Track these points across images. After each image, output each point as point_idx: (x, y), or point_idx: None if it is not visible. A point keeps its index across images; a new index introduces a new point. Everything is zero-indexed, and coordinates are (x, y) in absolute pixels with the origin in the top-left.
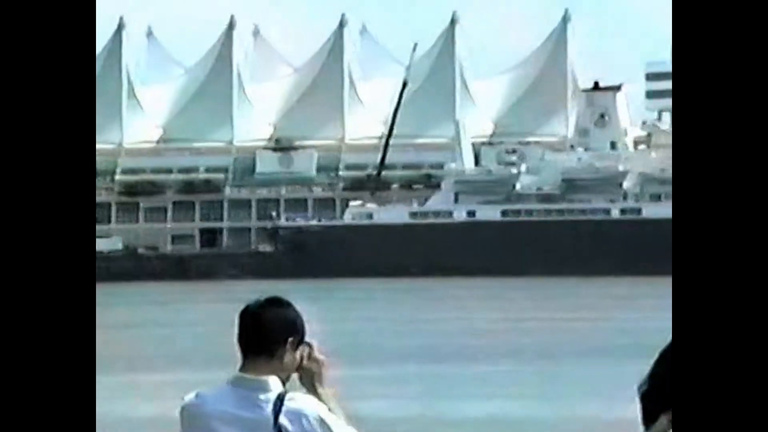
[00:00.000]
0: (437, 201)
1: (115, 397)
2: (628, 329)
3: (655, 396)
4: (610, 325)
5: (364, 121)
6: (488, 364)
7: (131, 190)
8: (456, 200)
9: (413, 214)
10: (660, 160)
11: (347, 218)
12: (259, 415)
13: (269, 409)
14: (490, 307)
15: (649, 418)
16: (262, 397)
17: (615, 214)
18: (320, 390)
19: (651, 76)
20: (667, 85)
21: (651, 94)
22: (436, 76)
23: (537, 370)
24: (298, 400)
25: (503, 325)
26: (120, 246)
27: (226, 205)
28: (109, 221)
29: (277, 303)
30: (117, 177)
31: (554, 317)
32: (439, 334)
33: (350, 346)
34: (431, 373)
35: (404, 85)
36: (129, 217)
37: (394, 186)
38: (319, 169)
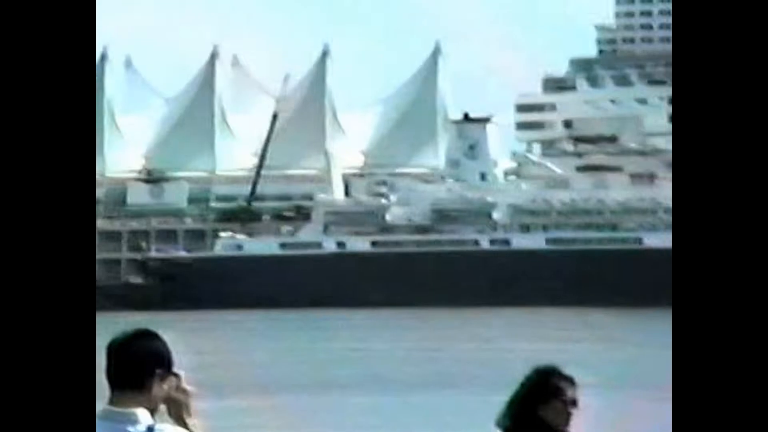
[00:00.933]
0: (307, 232)
1: None
2: (492, 359)
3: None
4: (475, 356)
5: (235, 153)
6: (349, 394)
7: None
8: (326, 231)
9: (283, 245)
10: (530, 191)
11: (218, 249)
12: None
13: None
14: (357, 337)
15: None
16: (131, 429)
17: (484, 244)
18: (188, 421)
19: (521, 108)
20: (536, 116)
21: (521, 126)
22: (307, 107)
23: (399, 401)
24: (168, 431)
25: (368, 355)
26: None
27: (96, 236)
28: None
29: (144, 335)
30: None
31: (421, 348)
32: (305, 364)
33: (218, 377)
34: (295, 403)
35: (275, 116)
36: None
37: (265, 217)
38: (190, 201)
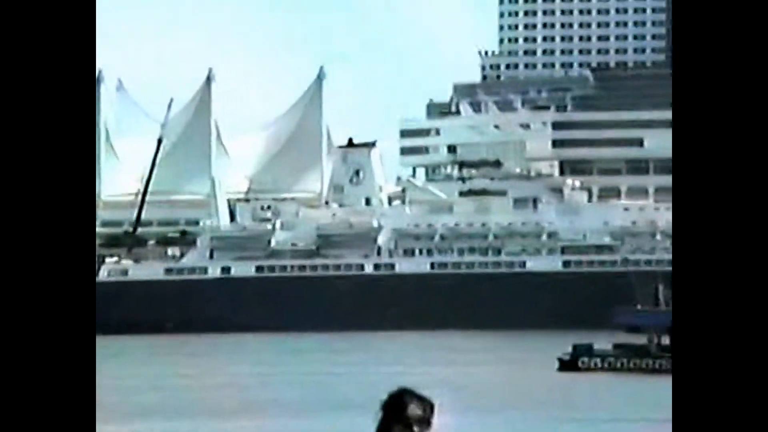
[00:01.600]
0: (193, 257)
1: None
2: (366, 383)
3: None
4: (358, 378)
5: (120, 178)
6: (235, 419)
7: None
8: (211, 256)
9: (168, 270)
10: (414, 215)
11: (103, 275)
12: None
13: None
14: (242, 361)
15: None
16: None
17: (369, 269)
18: None
19: (405, 133)
20: (420, 141)
21: (405, 151)
22: (192, 132)
23: (281, 424)
24: None
25: (252, 380)
26: None
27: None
28: None
29: None
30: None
31: (307, 372)
32: (189, 389)
33: (98, 402)
34: (172, 429)
35: (160, 141)
36: None
37: (150, 242)
38: None
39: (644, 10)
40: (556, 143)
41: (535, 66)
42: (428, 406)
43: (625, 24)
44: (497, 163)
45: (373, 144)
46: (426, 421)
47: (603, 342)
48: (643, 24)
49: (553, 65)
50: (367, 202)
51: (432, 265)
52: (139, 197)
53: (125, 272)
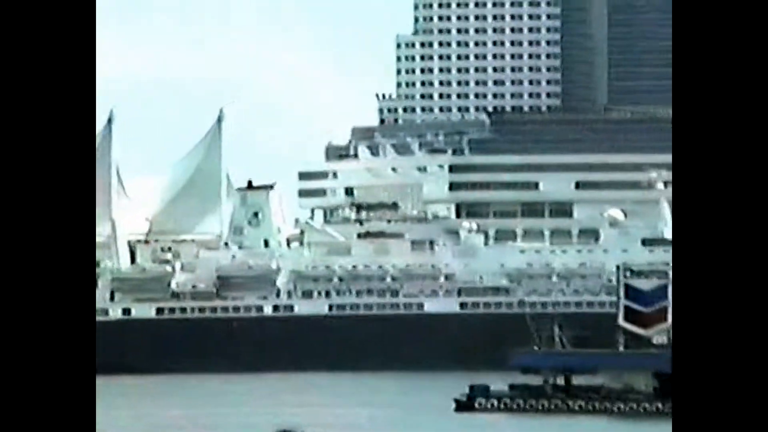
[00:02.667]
0: None
1: None
2: (256, 423)
3: None
4: (244, 420)
5: None
6: None
7: None
8: (112, 298)
9: None
10: (312, 257)
11: None
12: None
13: None
14: (131, 404)
15: None
16: None
17: (268, 310)
18: None
19: (303, 176)
20: (319, 184)
21: (303, 193)
22: None
23: None
24: None
25: (137, 422)
26: None
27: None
28: None
29: None
30: None
31: (200, 413)
32: None
33: None
34: None
35: None
36: None
37: None
38: None
39: (539, 56)
40: (452, 186)
41: (432, 109)
42: None
43: (521, 69)
44: (394, 206)
45: (271, 186)
46: None
47: (499, 383)
48: (538, 69)
49: (449, 109)
50: (266, 243)
51: (330, 307)
52: None
53: None
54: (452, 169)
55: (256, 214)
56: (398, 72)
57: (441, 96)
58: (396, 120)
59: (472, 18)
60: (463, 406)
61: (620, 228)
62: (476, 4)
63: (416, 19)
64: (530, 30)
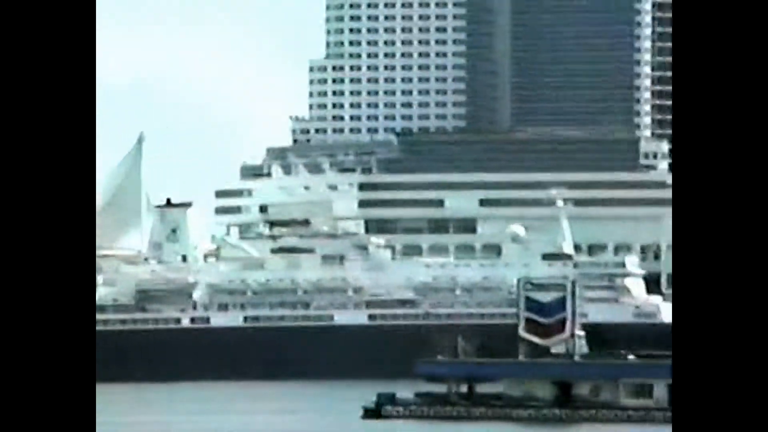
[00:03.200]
0: None
1: None
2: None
3: None
4: (149, 428)
5: None
6: None
7: None
8: None
9: None
10: (227, 272)
11: None
12: None
13: None
14: None
15: None
16: None
17: (185, 322)
18: None
19: (219, 194)
20: (234, 202)
21: (219, 210)
22: None
23: None
24: None
25: None
26: None
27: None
28: None
29: None
30: None
31: (120, 421)
32: None
33: None
34: None
35: None
36: None
37: None
38: None
39: (445, 80)
40: (361, 203)
41: (342, 130)
42: None
43: (428, 92)
44: (306, 222)
45: (189, 204)
46: None
47: (406, 391)
48: (445, 92)
49: (359, 130)
50: (184, 258)
51: (245, 319)
52: None
53: None
54: (361, 187)
55: (174, 231)
56: (310, 94)
57: (351, 117)
58: (308, 140)
59: (381, 43)
60: (371, 413)
61: (521, 243)
62: (385, 30)
63: (328, 44)
64: (437, 54)
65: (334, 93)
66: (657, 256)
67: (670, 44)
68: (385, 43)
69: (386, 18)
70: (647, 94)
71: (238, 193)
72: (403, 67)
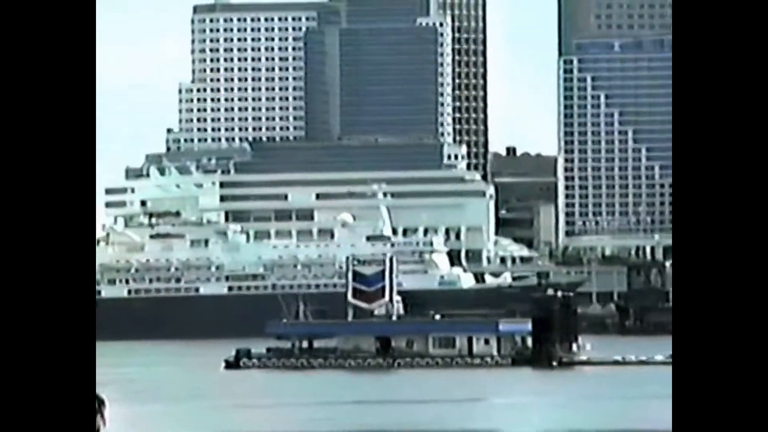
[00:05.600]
0: None
1: None
2: None
3: None
4: None
5: None
6: None
7: None
8: None
9: None
10: (115, 254)
11: None
12: None
13: None
14: None
15: None
16: None
17: None
18: None
19: (109, 191)
20: (120, 197)
21: (109, 204)
22: None
23: None
24: None
25: None
26: None
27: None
28: None
29: None
30: None
31: None
32: None
33: None
34: None
35: None
36: None
37: None
38: None
39: (287, 98)
40: (222, 198)
41: (206, 140)
42: (99, 401)
43: (274, 108)
44: (177, 214)
45: None
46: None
47: (259, 347)
48: (287, 109)
49: (220, 139)
50: None
51: (129, 291)
52: None
53: None
54: (222, 185)
55: None
56: (180, 111)
57: (213, 129)
58: (179, 148)
59: (236, 70)
60: (231, 365)
61: (350, 228)
62: (239, 59)
63: (193, 71)
64: (280, 79)
65: (198, 110)
66: (458, 236)
67: (466, 69)
68: (239, 69)
69: (239, 50)
70: (449, 109)
71: (123, 191)
72: (254, 89)
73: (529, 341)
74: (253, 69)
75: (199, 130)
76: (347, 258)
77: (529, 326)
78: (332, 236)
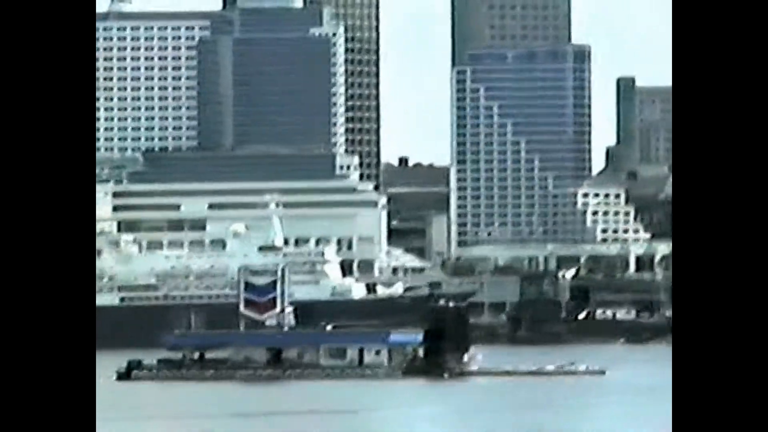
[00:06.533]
0: None
1: None
2: None
3: None
4: None
5: None
6: None
7: None
8: None
9: None
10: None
11: None
12: None
13: None
14: None
15: None
16: None
17: None
18: None
19: None
20: None
21: None
22: None
23: None
24: None
25: None
26: None
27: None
28: None
29: None
30: None
31: None
32: None
33: None
34: None
35: None
36: None
37: None
38: None
39: (180, 108)
40: (115, 208)
41: (99, 149)
42: None
43: (167, 118)
44: None
45: None
46: None
47: (151, 358)
48: (180, 118)
49: (113, 149)
50: None
51: None
52: None
53: None
54: (115, 195)
55: None
56: None
57: (105, 139)
58: None
59: (129, 78)
60: (122, 376)
61: (242, 239)
62: (132, 68)
63: None
64: (174, 88)
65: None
66: (350, 247)
67: (359, 80)
68: (132, 78)
69: (132, 59)
70: (342, 119)
71: None
72: (147, 98)
73: (421, 352)
74: (146, 78)
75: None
76: (239, 268)
77: (421, 337)
78: (224, 247)
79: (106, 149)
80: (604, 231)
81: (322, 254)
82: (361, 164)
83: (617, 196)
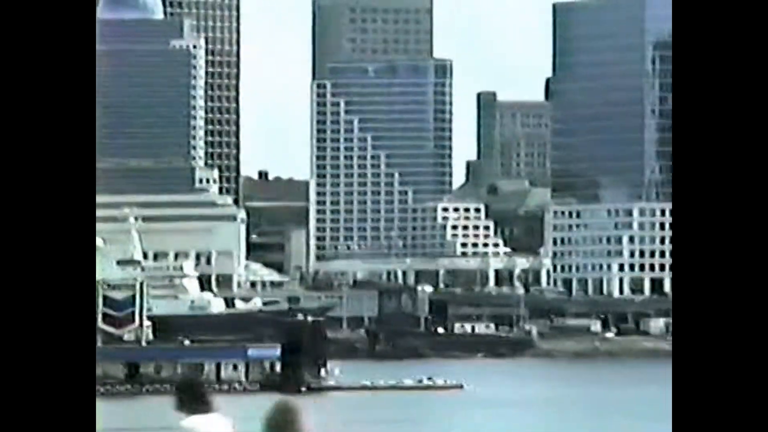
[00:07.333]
0: None
1: None
2: None
3: None
4: None
5: None
6: None
7: None
8: None
9: None
10: None
11: None
12: None
13: None
14: None
15: None
16: None
17: None
18: None
19: None
20: None
21: None
22: None
23: None
24: None
25: None
26: None
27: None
28: None
29: None
30: None
31: None
32: None
33: None
34: None
35: None
36: None
37: None
38: None
39: None
40: None
41: None
42: None
43: None
44: None
45: None
46: None
47: None
48: None
49: None
50: None
51: None
52: None
53: None
54: None
55: None
56: None
57: None
58: None
59: None
60: None
61: (100, 252)
62: None
63: None
64: None
65: None
66: (209, 261)
67: (219, 93)
68: None
69: None
70: (201, 132)
71: None
72: None
73: (278, 366)
74: None
75: None
76: (96, 283)
77: (278, 351)
78: None
79: None
80: (464, 245)
81: (181, 268)
82: (220, 178)
83: (477, 210)
